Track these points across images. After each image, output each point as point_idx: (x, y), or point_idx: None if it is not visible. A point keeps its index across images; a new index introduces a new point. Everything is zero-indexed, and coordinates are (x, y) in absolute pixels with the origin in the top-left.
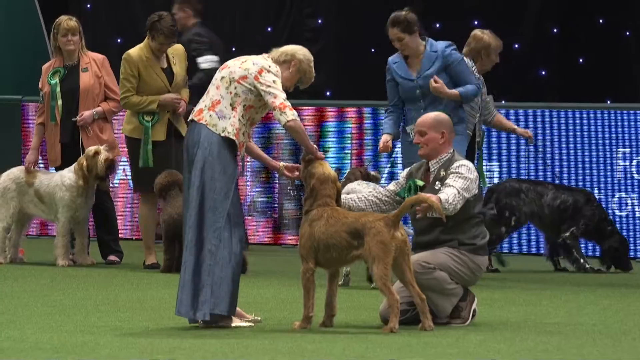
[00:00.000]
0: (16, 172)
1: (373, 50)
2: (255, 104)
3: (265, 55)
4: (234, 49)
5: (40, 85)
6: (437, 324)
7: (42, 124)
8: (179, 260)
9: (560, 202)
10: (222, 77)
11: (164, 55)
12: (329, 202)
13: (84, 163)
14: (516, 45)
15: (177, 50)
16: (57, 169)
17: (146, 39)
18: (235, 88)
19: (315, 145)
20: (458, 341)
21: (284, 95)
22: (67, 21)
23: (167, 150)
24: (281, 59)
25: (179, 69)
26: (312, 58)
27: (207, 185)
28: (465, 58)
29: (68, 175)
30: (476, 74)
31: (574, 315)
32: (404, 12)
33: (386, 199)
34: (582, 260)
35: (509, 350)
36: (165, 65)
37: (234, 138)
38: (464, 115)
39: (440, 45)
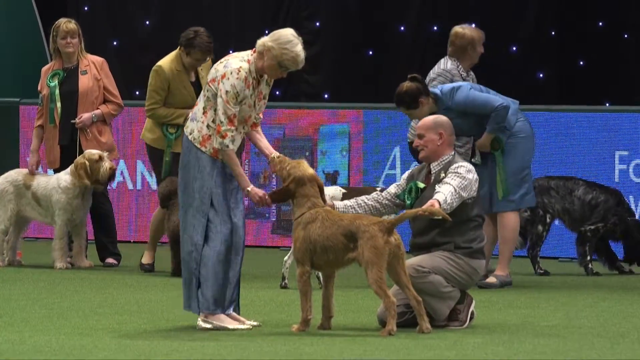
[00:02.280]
0: (14, 174)
1: (371, 52)
2: None
3: (251, 51)
4: (231, 51)
5: (39, 88)
6: (435, 327)
7: (41, 127)
8: None
9: (592, 197)
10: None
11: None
12: (317, 202)
13: (86, 164)
14: (514, 48)
15: (205, 65)
16: (56, 171)
17: (177, 52)
18: (207, 91)
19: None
20: (456, 344)
21: (228, 112)
22: (66, 24)
23: None
24: (258, 50)
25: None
26: (288, 38)
27: (186, 188)
28: (450, 60)
29: (64, 177)
30: (463, 72)
31: (572, 318)
32: (404, 87)
33: (386, 202)
34: (588, 258)
35: (507, 353)
36: (193, 79)
37: (198, 146)
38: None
39: (446, 99)
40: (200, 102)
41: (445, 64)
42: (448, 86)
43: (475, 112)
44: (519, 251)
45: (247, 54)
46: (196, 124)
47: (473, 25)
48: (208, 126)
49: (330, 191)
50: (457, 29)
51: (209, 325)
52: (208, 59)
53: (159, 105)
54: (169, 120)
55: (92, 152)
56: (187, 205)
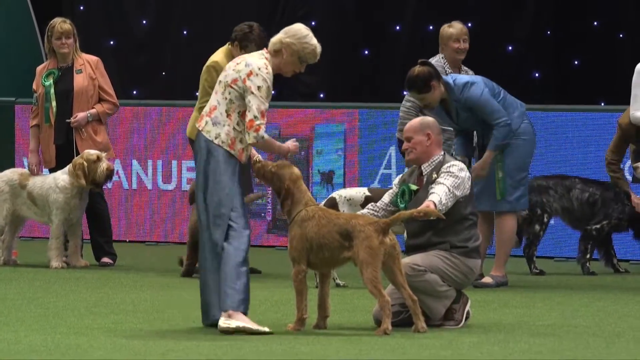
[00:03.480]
0: (9, 174)
1: (367, 52)
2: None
3: (264, 50)
4: None
5: (34, 87)
6: (431, 326)
7: (37, 126)
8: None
9: (589, 195)
10: (220, 82)
11: None
12: (312, 200)
13: (84, 164)
14: (510, 48)
15: None
16: (52, 170)
17: (227, 48)
18: (230, 93)
19: (285, 145)
20: (451, 343)
21: (262, 107)
22: (61, 24)
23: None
24: (272, 50)
25: None
26: (303, 33)
27: (210, 190)
28: (439, 55)
29: (62, 177)
30: (448, 69)
31: (567, 318)
32: (416, 70)
33: (383, 212)
34: (587, 256)
35: (502, 352)
36: None
37: (227, 149)
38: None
39: (458, 91)
40: (221, 106)
41: (435, 58)
42: (463, 78)
43: (480, 115)
44: (514, 251)
45: (262, 54)
46: (222, 127)
47: (462, 23)
48: (234, 129)
49: (352, 193)
50: (444, 25)
51: (232, 326)
52: None
53: None
54: None
55: (91, 153)
56: (211, 206)
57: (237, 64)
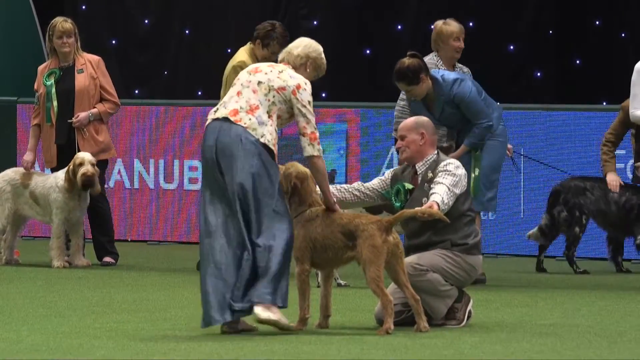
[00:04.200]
0: (11, 173)
1: (368, 51)
2: (283, 115)
3: (284, 64)
4: (229, 51)
5: (35, 87)
6: (433, 325)
7: (38, 125)
8: None
9: (625, 200)
10: (260, 82)
11: None
12: (317, 199)
13: (71, 167)
14: (512, 47)
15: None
16: (53, 170)
17: (249, 47)
18: (274, 97)
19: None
20: (453, 342)
21: (314, 121)
22: (62, 23)
23: None
24: (297, 62)
25: None
26: (320, 48)
27: (261, 191)
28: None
29: (62, 176)
30: (441, 66)
31: (569, 317)
32: (406, 62)
33: (369, 192)
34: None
35: (504, 352)
36: None
37: (272, 148)
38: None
39: (447, 86)
40: (263, 106)
41: (428, 56)
42: (451, 75)
43: (465, 113)
44: (515, 249)
45: (287, 67)
46: (265, 127)
47: (457, 21)
48: (275, 130)
49: None
50: (437, 21)
51: (272, 318)
52: None
53: None
54: None
55: (79, 156)
56: (264, 206)
57: (281, 72)
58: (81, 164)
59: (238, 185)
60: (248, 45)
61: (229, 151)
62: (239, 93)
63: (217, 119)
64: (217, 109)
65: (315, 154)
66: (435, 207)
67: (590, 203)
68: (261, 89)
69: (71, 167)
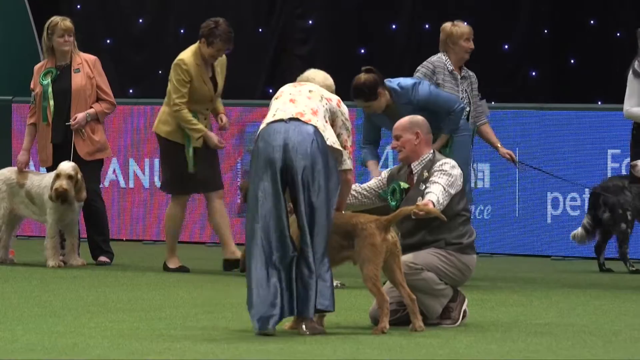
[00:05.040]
0: (7, 173)
1: (363, 51)
2: (328, 123)
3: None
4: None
5: (32, 86)
6: (428, 325)
7: (34, 125)
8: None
9: None
10: (310, 90)
11: (210, 64)
12: None
13: (53, 178)
14: (507, 46)
15: (220, 60)
16: (49, 169)
17: (196, 46)
18: (325, 104)
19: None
20: (448, 342)
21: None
22: (63, 22)
23: (208, 155)
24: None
25: (221, 79)
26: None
27: (326, 191)
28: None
29: None
30: (450, 66)
31: (564, 316)
32: (362, 78)
33: (366, 192)
34: None
35: (499, 351)
36: (211, 74)
37: (339, 147)
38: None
39: (406, 94)
40: (320, 111)
41: (436, 56)
42: (408, 81)
43: (435, 109)
44: (510, 250)
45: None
46: (327, 130)
47: (464, 22)
48: (332, 134)
49: None
50: (445, 23)
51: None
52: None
53: (185, 99)
54: (189, 129)
55: (59, 167)
56: (321, 210)
57: (331, 83)
58: (58, 177)
59: (315, 188)
60: (196, 44)
61: (303, 149)
62: (292, 100)
63: (280, 120)
64: (274, 114)
65: (350, 167)
66: (431, 205)
67: (630, 200)
68: (314, 96)
69: (54, 177)
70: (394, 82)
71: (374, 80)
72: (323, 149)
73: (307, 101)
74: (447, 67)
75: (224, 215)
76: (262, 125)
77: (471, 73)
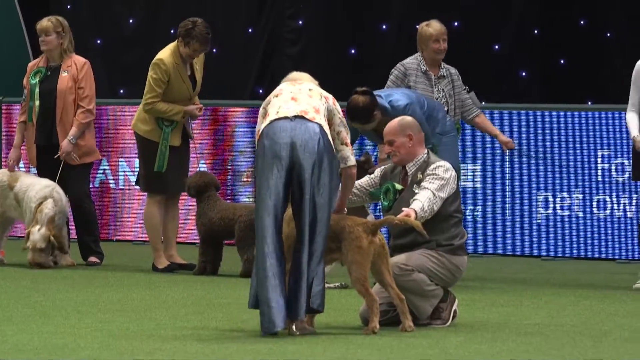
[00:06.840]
0: None
1: (353, 51)
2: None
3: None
4: (214, 51)
5: (24, 83)
6: (418, 325)
7: (24, 122)
8: (214, 264)
9: None
10: (310, 89)
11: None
12: None
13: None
14: (497, 47)
15: (199, 58)
16: (38, 169)
17: (174, 45)
18: (324, 103)
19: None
20: (439, 342)
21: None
22: (41, 21)
23: (182, 155)
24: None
25: (199, 77)
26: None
27: (327, 191)
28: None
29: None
30: (424, 66)
31: (554, 316)
32: (360, 102)
33: (356, 191)
34: None
35: (489, 351)
36: (189, 72)
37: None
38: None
39: (395, 115)
40: (322, 109)
41: (412, 56)
42: (400, 102)
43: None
44: (499, 250)
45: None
46: (328, 130)
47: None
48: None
49: None
50: (421, 24)
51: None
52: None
53: (158, 99)
54: (168, 115)
55: (31, 237)
56: (322, 208)
57: (317, 84)
58: (39, 208)
59: (319, 184)
60: (174, 43)
61: (310, 147)
62: (294, 99)
63: (284, 118)
64: (277, 111)
65: (354, 163)
66: (412, 214)
67: None
68: (314, 94)
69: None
70: (384, 99)
71: (370, 104)
72: (328, 147)
73: (308, 99)
74: (421, 68)
75: (177, 218)
76: (265, 123)
77: (452, 70)
